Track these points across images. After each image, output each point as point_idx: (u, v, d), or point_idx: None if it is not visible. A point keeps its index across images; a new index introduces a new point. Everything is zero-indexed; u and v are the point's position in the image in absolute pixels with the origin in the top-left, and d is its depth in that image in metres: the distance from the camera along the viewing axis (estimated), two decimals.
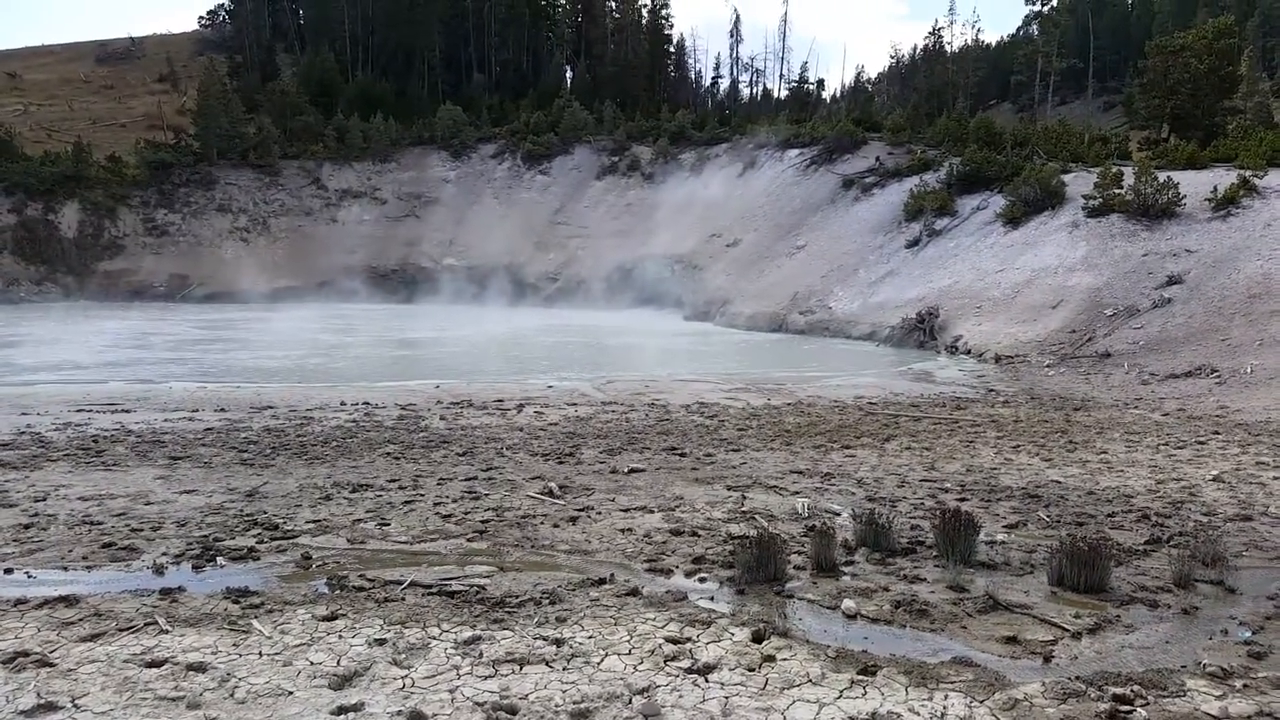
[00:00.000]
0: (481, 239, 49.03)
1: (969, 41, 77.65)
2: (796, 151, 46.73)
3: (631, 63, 70.55)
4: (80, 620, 5.27)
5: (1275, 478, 9.72)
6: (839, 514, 7.94)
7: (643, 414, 13.79)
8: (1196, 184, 26.81)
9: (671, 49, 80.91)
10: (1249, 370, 17.05)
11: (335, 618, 5.33)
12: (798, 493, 8.78)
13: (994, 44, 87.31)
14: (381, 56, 70.49)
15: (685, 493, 8.70)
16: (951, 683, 4.59)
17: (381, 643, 4.96)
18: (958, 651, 5.06)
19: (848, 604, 5.67)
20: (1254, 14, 64.26)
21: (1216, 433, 12.73)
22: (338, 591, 5.83)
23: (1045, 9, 68.12)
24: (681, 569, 6.40)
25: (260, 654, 4.82)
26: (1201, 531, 7.30)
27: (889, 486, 9.17)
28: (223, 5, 79.16)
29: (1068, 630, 5.37)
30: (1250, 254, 22.47)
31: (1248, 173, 26.80)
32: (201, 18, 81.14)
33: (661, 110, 58.87)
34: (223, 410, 13.29)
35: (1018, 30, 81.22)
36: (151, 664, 4.68)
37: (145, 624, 5.22)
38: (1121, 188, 27.76)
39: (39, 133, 54.11)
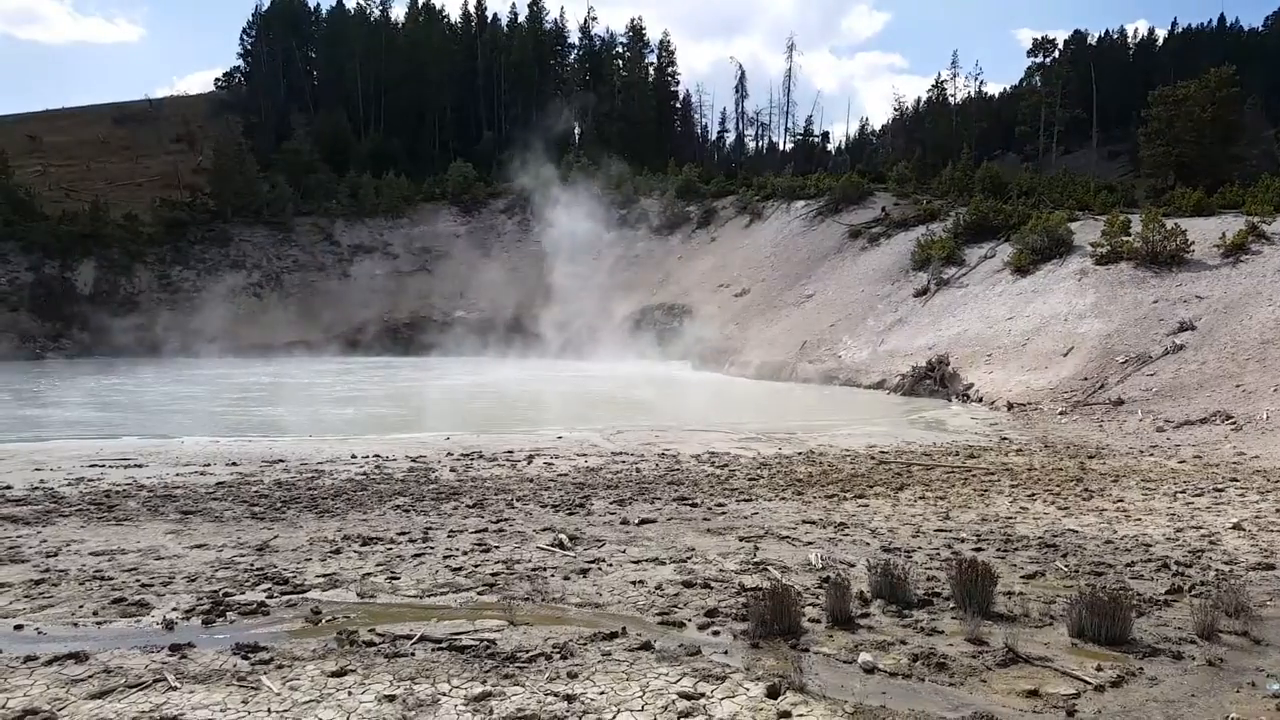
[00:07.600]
0: (492, 292, 49.47)
1: (972, 93, 78.64)
2: (803, 203, 47.18)
3: (639, 119, 71.68)
4: (89, 677, 5.22)
5: None
6: (853, 565, 7.84)
7: (653, 464, 13.73)
8: (1204, 230, 26.86)
9: (678, 104, 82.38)
10: (1265, 416, 16.91)
11: (345, 673, 5.27)
12: (811, 543, 8.69)
13: (997, 95, 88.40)
14: (393, 115, 71.85)
15: (697, 543, 8.62)
16: None
17: (391, 699, 4.89)
18: (979, 706, 4.96)
19: (865, 657, 5.57)
20: (1254, 63, 64.96)
21: (1234, 480, 12.58)
22: (347, 646, 5.76)
23: (1047, 60, 68.99)
24: (694, 622, 6.32)
25: (269, 711, 4.76)
26: (1224, 581, 7.18)
27: (903, 536, 9.07)
28: (239, 68, 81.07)
29: (1090, 683, 5.26)
30: (1262, 300, 22.41)
31: (1256, 219, 26.84)
32: (218, 80, 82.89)
33: (669, 164, 59.63)
34: (234, 464, 13.30)
35: (1021, 81, 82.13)
36: None
37: (154, 680, 5.17)
38: (1129, 235, 27.82)
39: (57, 192, 54.90)
